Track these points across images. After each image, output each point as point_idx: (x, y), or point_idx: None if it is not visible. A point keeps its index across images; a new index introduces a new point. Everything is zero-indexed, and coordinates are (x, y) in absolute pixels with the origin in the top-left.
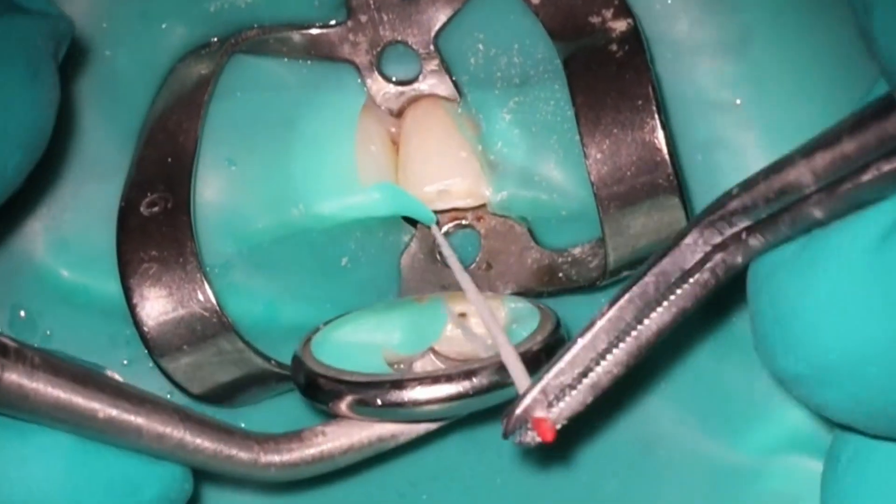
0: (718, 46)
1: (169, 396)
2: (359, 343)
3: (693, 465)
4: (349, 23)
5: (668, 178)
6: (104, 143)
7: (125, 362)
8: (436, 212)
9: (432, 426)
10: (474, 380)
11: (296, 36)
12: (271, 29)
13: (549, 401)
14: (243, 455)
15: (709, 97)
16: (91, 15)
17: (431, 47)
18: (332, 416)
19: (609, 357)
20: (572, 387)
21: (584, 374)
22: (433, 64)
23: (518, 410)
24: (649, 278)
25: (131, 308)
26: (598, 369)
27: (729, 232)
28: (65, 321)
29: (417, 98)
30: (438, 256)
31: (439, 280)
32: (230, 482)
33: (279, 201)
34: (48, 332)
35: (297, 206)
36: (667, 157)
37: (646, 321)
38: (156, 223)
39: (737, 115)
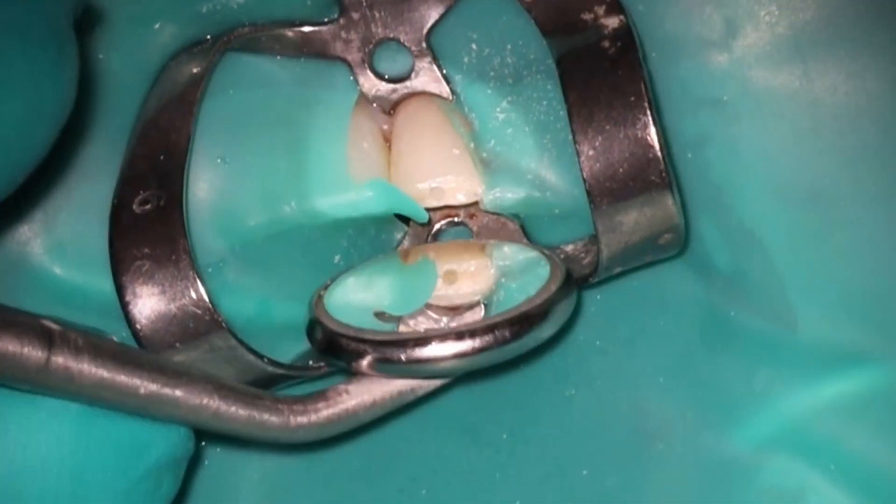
0: (703, 43)
1: None
2: (354, 301)
3: (693, 458)
4: (341, 20)
5: (660, 174)
6: (98, 144)
7: None
8: (428, 209)
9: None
10: (497, 333)
11: (288, 33)
12: (264, 27)
13: None
14: (275, 419)
15: (696, 94)
16: (83, 21)
17: (424, 45)
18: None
19: None
20: None
21: None
22: (425, 61)
23: None
24: None
25: (124, 306)
26: None
27: None
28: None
29: (410, 95)
30: None
31: None
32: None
33: (272, 199)
34: None
35: (289, 204)
36: (659, 153)
37: None
38: (148, 221)
39: (724, 111)
